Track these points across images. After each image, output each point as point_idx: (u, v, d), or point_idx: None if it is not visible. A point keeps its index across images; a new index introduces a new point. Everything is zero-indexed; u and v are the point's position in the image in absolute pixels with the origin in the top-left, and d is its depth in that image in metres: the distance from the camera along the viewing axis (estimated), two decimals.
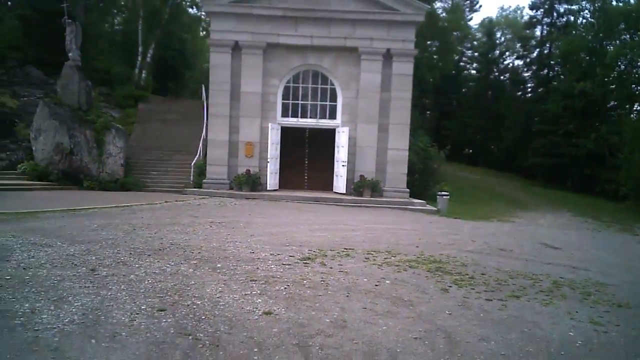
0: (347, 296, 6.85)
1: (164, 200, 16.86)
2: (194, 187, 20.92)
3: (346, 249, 10.10)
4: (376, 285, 7.50)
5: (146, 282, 6.82)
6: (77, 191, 18.99)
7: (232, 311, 5.97)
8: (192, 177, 21.49)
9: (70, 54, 21.00)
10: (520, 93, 47.71)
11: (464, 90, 49.14)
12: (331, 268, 8.35)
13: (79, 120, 19.99)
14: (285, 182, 22.26)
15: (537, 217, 20.82)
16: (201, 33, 47.69)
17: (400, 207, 19.47)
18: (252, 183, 20.43)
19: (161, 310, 5.80)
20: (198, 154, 22.53)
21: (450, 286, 7.71)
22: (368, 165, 21.11)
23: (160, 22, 33.09)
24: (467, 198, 23.93)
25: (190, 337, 5.12)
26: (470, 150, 50.65)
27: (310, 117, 21.88)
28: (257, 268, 8.04)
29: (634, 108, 36.23)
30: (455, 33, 43.13)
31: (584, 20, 37.86)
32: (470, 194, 25.78)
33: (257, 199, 19.25)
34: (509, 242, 12.88)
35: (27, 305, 5.64)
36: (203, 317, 5.70)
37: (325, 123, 21.87)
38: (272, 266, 8.24)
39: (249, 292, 6.70)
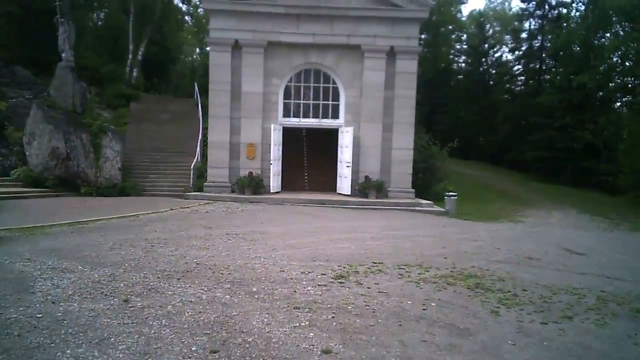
0: (400, 325, 6.47)
1: (169, 208, 16.31)
2: (195, 191, 20.39)
3: (375, 262, 9.74)
4: (423, 309, 7.13)
5: (186, 315, 6.36)
6: (75, 198, 18.37)
7: (288, 350, 5.55)
8: (192, 181, 20.94)
9: (63, 55, 20.29)
10: (512, 86, 47.58)
11: (454, 83, 48.87)
12: (369, 288, 7.97)
13: (74, 123, 19.30)
14: (286, 183, 21.82)
15: (544, 215, 20.65)
16: (185, 25, 46.91)
17: (408, 208, 19.15)
18: (255, 186, 19.97)
19: (214, 352, 5.36)
20: (196, 156, 21.96)
21: (498, 307, 7.39)
22: (372, 165, 20.74)
23: (152, 18, 32.18)
24: (470, 196, 23.72)
25: None
26: (456, 143, 50.28)
27: (313, 117, 21.43)
28: (295, 291, 7.62)
29: (625, 99, 36.26)
30: (446, 27, 42.94)
31: (577, 13, 37.85)
32: (472, 192, 25.58)
33: (261, 203, 18.78)
34: (532, 247, 12.63)
35: (69, 351, 5.16)
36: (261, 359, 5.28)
37: (328, 123, 21.44)
38: (309, 288, 7.83)
39: (297, 324, 6.27)
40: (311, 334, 5.99)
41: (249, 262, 9.31)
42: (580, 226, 18.30)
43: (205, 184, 20.59)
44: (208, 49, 21.61)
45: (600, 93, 34.66)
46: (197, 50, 54.80)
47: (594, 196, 29.45)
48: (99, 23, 40.24)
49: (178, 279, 7.93)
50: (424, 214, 18.52)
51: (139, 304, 6.64)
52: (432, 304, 7.38)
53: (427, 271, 9.29)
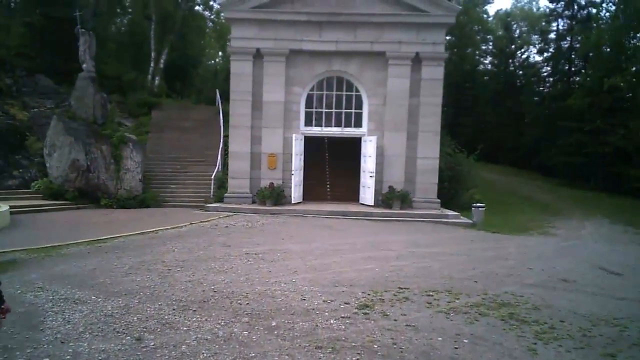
0: None
1: (188, 222, 16.00)
2: (215, 202, 20.09)
3: (401, 288, 9.24)
4: (455, 348, 6.62)
5: (201, 357, 5.97)
6: (95, 210, 18.22)
7: None
8: (212, 191, 20.65)
9: (84, 65, 20.15)
10: (540, 88, 46.42)
11: (479, 85, 47.79)
12: (395, 321, 7.49)
13: (94, 135, 19.15)
14: (307, 193, 21.37)
15: (576, 226, 19.85)
16: (207, 30, 46.80)
17: (434, 220, 18.55)
18: (276, 197, 19.59)
19: None
20: (217, 166, 21.66)
21: (535, 343, 6.85)
22: (396, 175, 20.17)
23: (174, 26, 32.02)
24: (497, 204, 22.92)
25: None
26: (481, 147, 49.32)
27: (335, 126, 20.93)
28: (317, 325, 7.18)
29: None
30: (471, 28, 42.13)
31: (607, 13, 36.67)
32: (499, 199, 24.79)
33: (282, 215, 18.38)
34: (566, 267, 11.99)
35: None
36: None
37: (351, 132, 20.94)
38: (332, 321, 7.39)
39: None
40: None
41: (269, 288, 8.90)
42: (614, 239, 17.48)
43: (225, 194, 20.26)
44: (230, 56, 21.09)
45: (629, 94, 33.55)
46: (220, 53, 54.53)
47: (625, 203, 28.42)
48: (122, 29, 40.33)
49: (194, 310, 7.56)
50: (451, 227, 17.91)
51: (152, 344, 6.28)
52: (464, 340, 6.88)
53: (457, 299, 8.77)
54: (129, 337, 6.44)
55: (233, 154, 20.41)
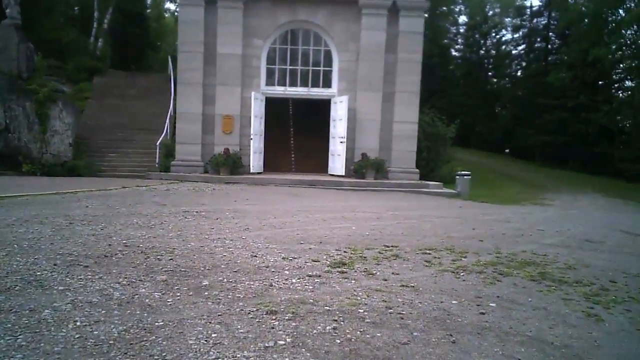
0: (454, 342, 3.60)
1: (121, 186, 13.23)
2: (161, 171, 17.39)
3: (388, 246, 6.90)
4: (481, 313, 4.29)
5: (70, 326, 3.46)
6: (14, 177, 15.30)
7: None
8: (157, 159, 17.85)
9: (7, 10, 17.25)
10: (515, 68, 44.91)
11: (452, 67, 45.97)
12: (385, 280, 5.14)
13: (16, 90, 16.24)
14: (269, 163, 18.90)
15: (570, 199, 18.12)
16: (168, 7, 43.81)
17: (413, 190, 16.33)
18: (232, 165, 17.01)
19: None
20: (165, 131, 18.89)
21: (591, 308, 4.67)
22: (370, 141, 17.84)
23: None
24: (481, 180, 20.94)
25: None
26: (458, 121, 47.52)
27: (301, 86, 18.44)
28: (271, 285, 4.76)
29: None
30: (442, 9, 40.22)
31: None
32: (482, 177, 22.77)
33: (239, 184, 15.83)
34: (584, 230, 9.92)
35: None
36: None
37: (319, 92, 18.49)
38: (294, 280, 4.99)
39: (272, 343, 3.38)
40: None
41: (207, 244, 6.40)
42: (616, 209, 15.77)
43: (172, 163, 17.60)
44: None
45: (615, 73, 32.08)
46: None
47: (611, 182, 26.92)
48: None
49: (86, 266, 5.02)
50: (434, 196, 15.74)
51: None
52: (491, 304, 4.58)
53: (464, 257, 6.48)
54: None
55: (181, 115, 17.70)
